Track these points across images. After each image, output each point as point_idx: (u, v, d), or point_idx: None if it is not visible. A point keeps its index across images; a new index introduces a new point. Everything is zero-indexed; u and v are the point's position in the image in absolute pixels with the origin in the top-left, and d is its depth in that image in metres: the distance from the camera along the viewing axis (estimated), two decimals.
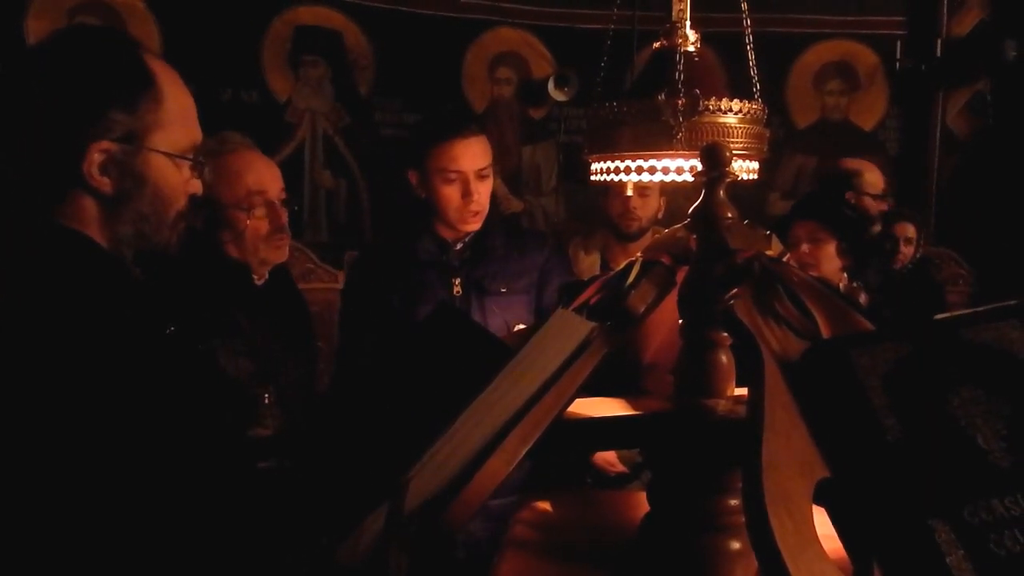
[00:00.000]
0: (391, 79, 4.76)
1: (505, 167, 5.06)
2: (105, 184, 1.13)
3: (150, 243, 1.20)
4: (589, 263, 3.01)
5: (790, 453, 0.96)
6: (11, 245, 1.12)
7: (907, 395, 1.01)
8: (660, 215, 2.98)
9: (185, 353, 1.18)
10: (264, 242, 2.00)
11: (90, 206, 1.14)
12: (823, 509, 0.97)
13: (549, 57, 5.01)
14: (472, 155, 2.33)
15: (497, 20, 4.94)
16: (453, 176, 2.32)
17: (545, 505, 1.57)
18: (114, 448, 1.00)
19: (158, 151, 1.16)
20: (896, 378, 1.02)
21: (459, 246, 2.43)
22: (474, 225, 2.39)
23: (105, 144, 1.12)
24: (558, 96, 4.87)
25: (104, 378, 1.01)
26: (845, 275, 2.63)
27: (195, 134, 1.23)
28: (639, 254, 1.34)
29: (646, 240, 2.87)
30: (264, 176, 2.02)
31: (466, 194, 2.32)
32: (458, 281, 2.39)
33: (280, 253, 2.07)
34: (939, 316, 1.11)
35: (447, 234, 2.43)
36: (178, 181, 1.20)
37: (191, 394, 1.11)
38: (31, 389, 0.99)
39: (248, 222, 1.97)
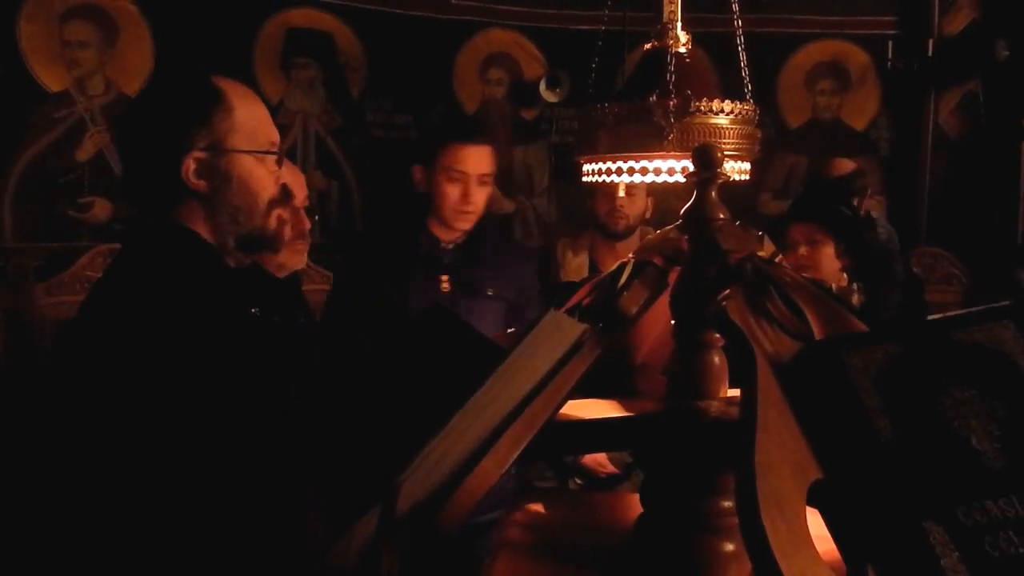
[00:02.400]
0: (382, 80, 4.74)
1: (497, 168, 5.04)
2: (202, 185, 1.38)
3: (247, 228, 1.43)
4: (577, 264, 3.04)
5: (783, 454, 0.96)
6: (138, 241, 1.43)
7: (900, 396, 1.01)
8: (648, 215, 3.01)
9: (265, 331, 1.42)
10: (285, 247, 2.03)
11: (195, 205, 1.40)
12: (816, 510, 0.97)
13: (540, 58, 5.01)
14: (478, 160, 2.49)
15: (488, 21, 4.93)
16: (457, 176, 2.46)
17: (538, 507, 1.57)
18: (199, 408, 1.21)
19: (238, 150, 1.40)
20: (889, 379, 1.02)
21: (451, 245, 2.53)
22: (466, 225, 2.51)
23: (196, 153, 1.37)
24: (550, 97, 4.87)
25: (198, 349, 1.24)
26: (845, 276, 2.61)
27: (270, 133, 1.46)
28: (631, 255, 1.34)
29: (634, 240, 2.94)
30: (291, 182, 2.03)
31: (465, 195, 2.46)
32: (446, 279, 2.50)
33: (299, 259, 2.12)
34: (932, 317, 1.10)
35: (440, 232, 2.53)
36: (262, 173, 1.43)
37: (267, 367, 1.33)
38: (140, 358, 1.23)
39: None
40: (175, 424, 1.21)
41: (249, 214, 1.43)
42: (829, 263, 2.59)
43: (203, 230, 1.41)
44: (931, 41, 4.83)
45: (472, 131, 2.58)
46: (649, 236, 1.36)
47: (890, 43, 4.96)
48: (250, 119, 1.43)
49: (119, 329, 1.27)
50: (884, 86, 5.08)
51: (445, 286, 2.49)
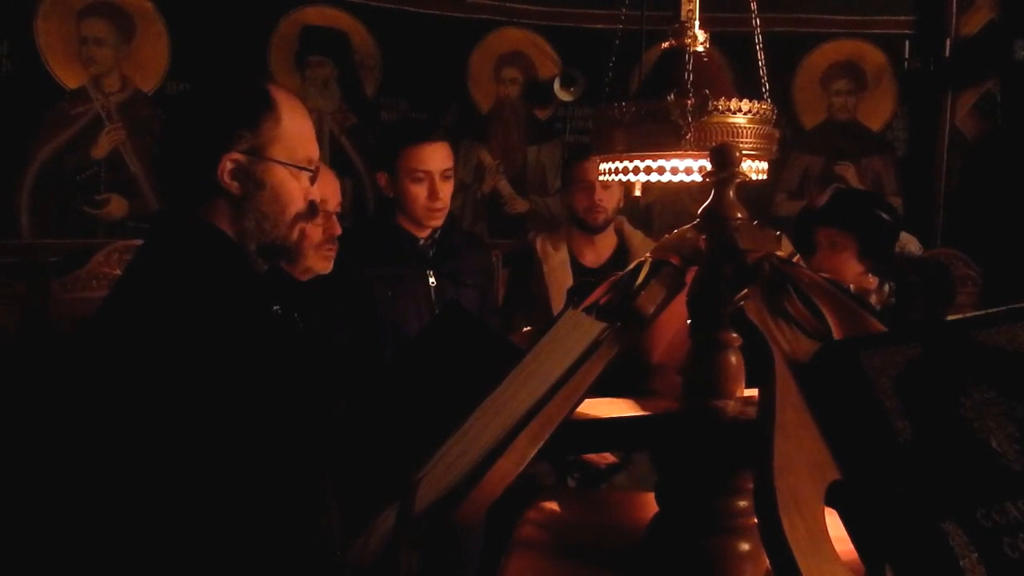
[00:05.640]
0: (397, 79, 4.75)
1: (511, 167, 5.05)
2: (234, 187, 1.40)
3: (270, 236, 1.45)
4: (560, 260, 3.10)
5: (801, 455, 0.96)
6: (164, 236, 1.43)
7: (919, 397, 1.00)
8: (620, 205, 3.11)
9: (287, 328, 1.44)
10: (314, 250, 2.04)
11: (223, 205, 1.42)
12: (834, 511, 0.97)
13: (555, 57, 5.00)
14: (438, 157, 2.58)
15: (503, 20, 4.92)
16: (421, 176, 2.56)
17: (552, 505, 1.57)
18: (220, 403, 1.22)
19: (276, 161, 1.42)
20: (908, 380, 1.01)
21: (429, 240, 2.67)
22: (438, 221, 2.64)
23: (234, 155, 1.39)
24: (564, 96, 4.86)
25: (224, 345, 1.25)
26: (871, 278, 2.56)
27: (310, 150, 1.48)
28: (648, 254, 1.34)
29: (609, 232, 3.11)
30: (325, 186, 2.06)
31: (432, 193, 2.57)
32: (431, 273, 2.63)
33: (326, 264, 2.13)
34: (951, 317, 1.10)
35: (414, 230, 2.65)
36: (295, 187, 1.45)
37: (287, 363, 1.34)
38: (167, 354, 1.23)
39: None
40: (196, 420, 1.22)
41: (274, 224, 1.45)
42: (847, 266, 2.55)
43: (228, 231, 1.43)
44: (948, 41, 4.79)
45: (427, 130, 2.66)
46: (667, 235, 1.36)
47: (907, 43, 4.92)
48: (295, 133, 1.45)
49: (146, 326, 1.28)
50: (901, 86, 5.04)
51: (432, 280, 2.62)
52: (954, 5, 4.81)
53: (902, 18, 4.98)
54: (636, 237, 3.19)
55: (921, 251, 3.41)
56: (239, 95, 1.44)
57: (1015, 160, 4.71)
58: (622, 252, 3.16)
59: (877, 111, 5.11)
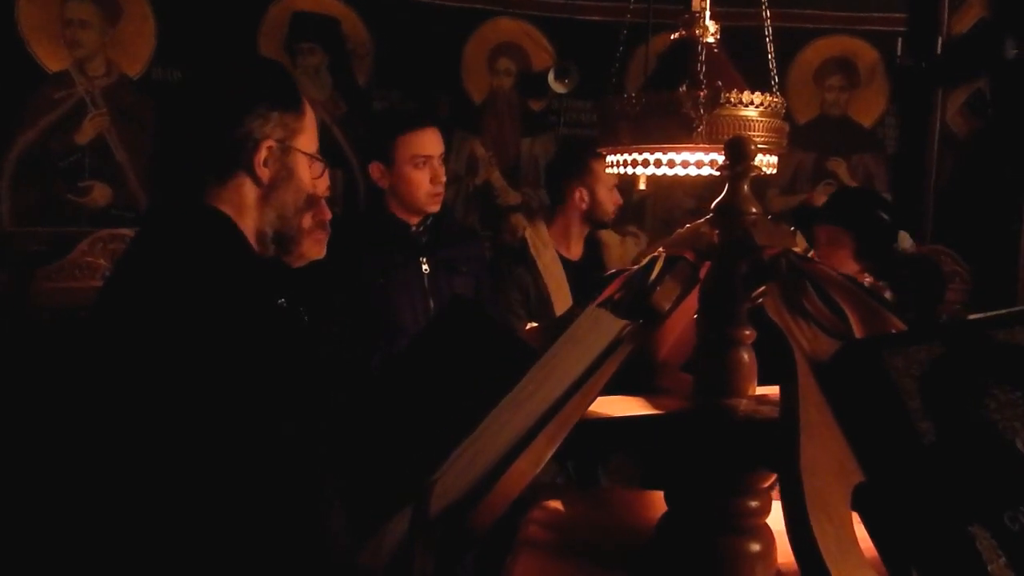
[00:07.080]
0: (390, 69, 4.70)
1: (504, 159, 5.02)
2: (265, 174, 1.40)
3: (287, 225, 1.46)
4: (551, 255, 3.14)
5: (826, 456, 0.94)
6: (169, 224, 1.38)
7: (942, 397, 0.98)
8: None
9: (292, 322, 1.42)
10: (307, 236, 2.02)
11: (250, 191, 1.40)
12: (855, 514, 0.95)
13: (549, 49, 4.97)
14: (436, 141, 2.62)
15: (497, 11, 4.89)
16: (422, 161, 2.58)
17: (558, 504, 1.54)
18: (227, 396, 1.19)
19: (301, 151, 1.44)
20: (931, 380, 0.99)
21: (421, 228, 2.67)
22: (437, 206, 2.66)
23: (270, 142, 1.39)
24: (558, 88, 4.84)
25: (234, 339, 1.23)
26: (868, 276, 2.57)
27: (317, 140, 1.51)
28: (660, 249, 1.31)
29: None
30: None
31: (434, 177, 2.59)
32: (425, 260, 2.63)
33: (320, 249, 2.11)
34: (973, 316, 1.08)
35: (406, 218, 2.65)
36: (309, 177, 1.47)
37: (295, 357, 1.32)
38: (173, 343, 1.20)
39: None
40: (203, 414, 1.19)
41: (293, 213, 1.46)
42: (843, 265, 2.55)
43: (243, 217, 1.40)
44: (940, 39, 4.80)
45: (422, 116, 2.70)
46: (679, 230, 1.33)
47: (899, 40, 4.93)
48: (311, 124, 1.47)
49: (154, 319, 1.25)
50: (892, 83, 5.06)
51: (426, 267, 2.62)
52: (946, 3, 4.82)
53: (895, 15, 5.00)
54: (603, 230, 3.30)
55: (915, 247, 3.43)
56: (277, 83, 1.43)
57: (1005, 158, 4.73)
58: (592, 244, 3.26)
59: (869, 108, 5.13)
